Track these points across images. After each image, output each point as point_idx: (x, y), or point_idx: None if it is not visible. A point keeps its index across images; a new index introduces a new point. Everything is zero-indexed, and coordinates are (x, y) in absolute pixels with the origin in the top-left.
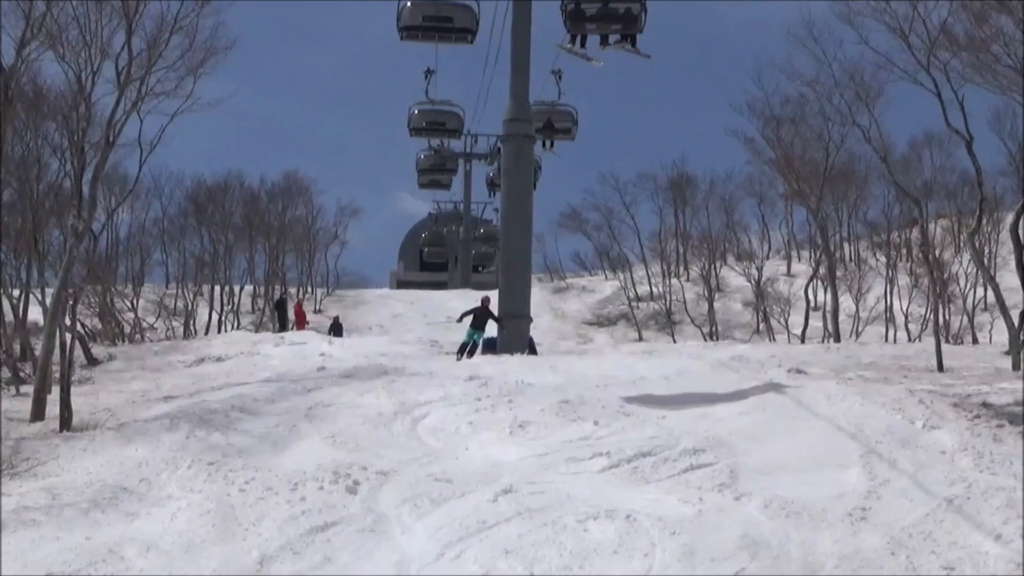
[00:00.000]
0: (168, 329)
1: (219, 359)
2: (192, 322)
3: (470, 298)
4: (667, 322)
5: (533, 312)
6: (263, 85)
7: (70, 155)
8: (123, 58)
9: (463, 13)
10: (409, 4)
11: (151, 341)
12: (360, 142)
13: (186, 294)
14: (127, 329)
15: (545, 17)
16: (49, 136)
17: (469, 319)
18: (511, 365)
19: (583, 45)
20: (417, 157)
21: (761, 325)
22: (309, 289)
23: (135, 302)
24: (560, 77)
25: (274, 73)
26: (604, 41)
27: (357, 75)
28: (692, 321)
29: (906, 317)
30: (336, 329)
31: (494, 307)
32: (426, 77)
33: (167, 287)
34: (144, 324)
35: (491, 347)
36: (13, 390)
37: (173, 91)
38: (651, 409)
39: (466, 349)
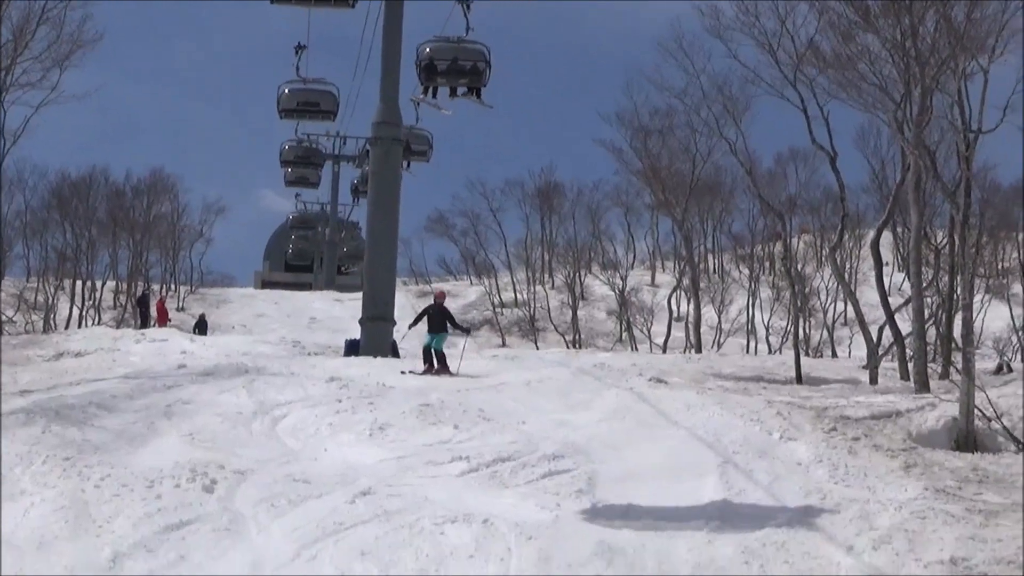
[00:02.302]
0: (27, 323)
1: (78, 354)
2: (52, 316)
3: (332, 299)
4: (531, 329)
5: (397, 315)
6: (130, 79)
7: None
8: None
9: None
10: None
11: (9, 334)
12: (226, 139)
13: (47, 288)
14: None
15: (416, 20)
16: None
17: (422, 324)
18: (373, 368)
19: (435, 96)
20: (281, 148)
21: (624, 334)
22: (172, 286)
23: None
24: (418, 105)
25: (142, 68)
26: (453, 92)
27: (225, 72)
28: (556, 328)
29: (767, 329)
30: (201, 326)
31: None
32: (297, 53)
33: (27, 280)
34: (3, 317)
35: (353, 349)
36: None
37: (39, 82)
38: (511, 414)
39: (430, 357)
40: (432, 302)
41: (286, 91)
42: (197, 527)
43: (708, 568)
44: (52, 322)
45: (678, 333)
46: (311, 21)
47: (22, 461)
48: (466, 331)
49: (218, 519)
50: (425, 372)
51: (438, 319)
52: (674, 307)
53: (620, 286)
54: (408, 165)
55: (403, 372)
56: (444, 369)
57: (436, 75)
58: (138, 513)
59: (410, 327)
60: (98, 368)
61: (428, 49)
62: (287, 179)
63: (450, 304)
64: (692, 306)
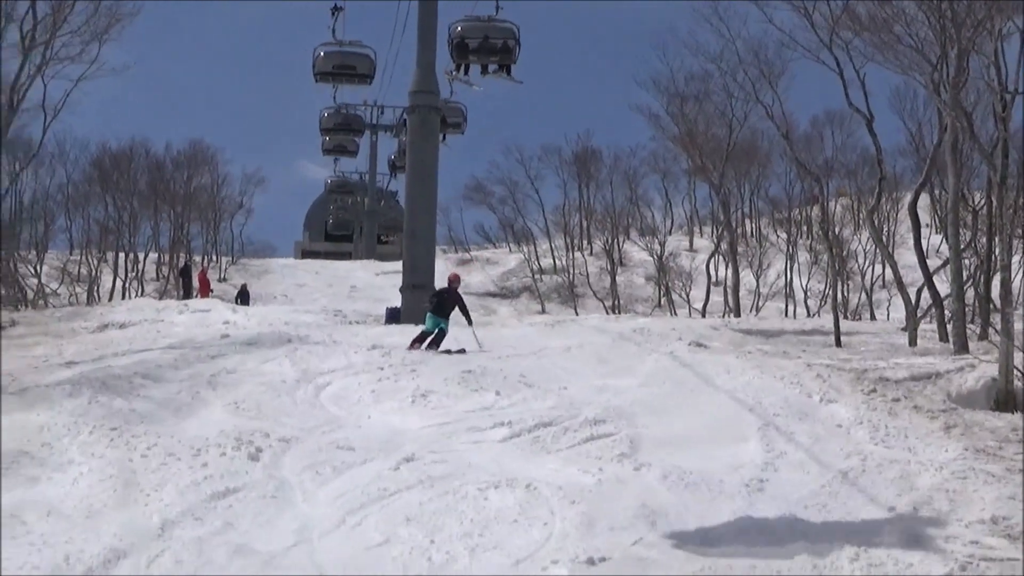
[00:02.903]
0: (71, 295)
1: (122, 325)
2: (96, 288)
3: (373, 269)
4: (570, 295)
5: (437, 283)
6: (168, 51)
7: None
8: (27, 22)
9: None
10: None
11: (54, 307)
12: (264, 110)
13: (90, 260)
14: (30, 295)
15: None
16: None
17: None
18: (414, 334)
19: (467, 73)
20: (320, 115)
21: (663, 299)
22: (214, 257)
23: (38, 268)
24: (453, 77)
25: (179, 40)
26: (484, 70)
27: (261, 43)
28: (595, 294)
29: (805, 293)
30: (243, 297)
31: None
32: (333, 14)
33: (71, 253)
34: (47, 290)
35: (394, 317)
36: None
37: (78, 56)
38: (552, 380)
39: (425, 339)
40: (447, 285)
41: (322, 54)
42: (244, 495)
43: (751, 531)
44: (96, 294)
45: (717, 298)
46: None
47: (69, 432)
48: (469, 323)
49: (264, 486)
50: (412, 347)
51: (449, 305)
52: (712, 272)
53: (658, 251)
54: (444, 137)
55: (449, 351)
56: (434, 346)
57: (468, 53)
58: (185, 481)
59: (427, 303)
60: (142, 339)
61: (459, 28)
62: (325, 147)
63: (489, 271)
64: (730, 270)
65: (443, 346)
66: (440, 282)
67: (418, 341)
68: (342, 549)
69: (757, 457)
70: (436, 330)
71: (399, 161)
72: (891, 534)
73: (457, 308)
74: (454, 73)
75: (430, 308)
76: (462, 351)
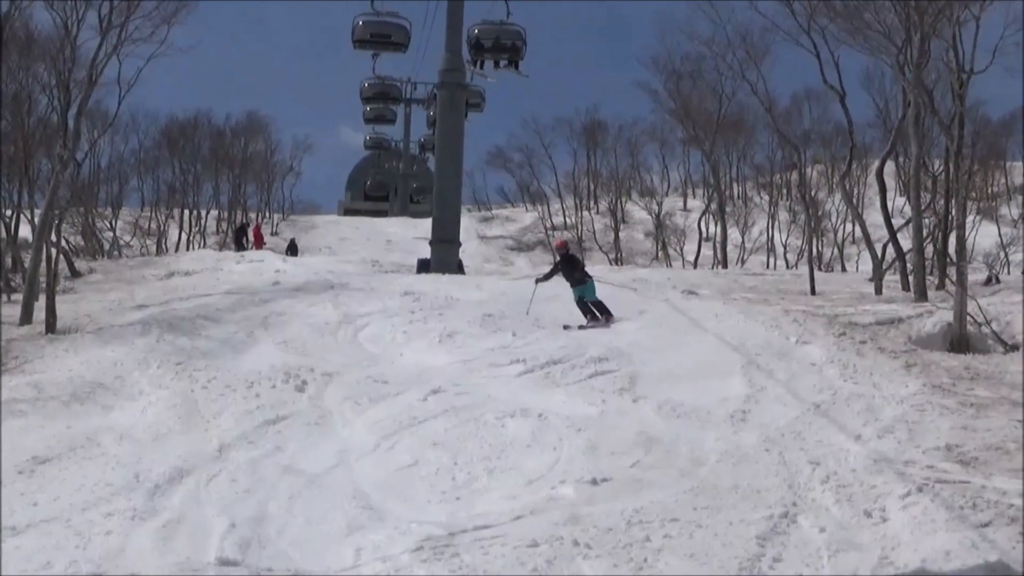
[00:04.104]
0: (142, 247)
1: (187, 273)
2: (163, 241)
3: (408, 225)
4: (578, 248)
5: (462, 238)
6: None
7: (57, 92)
8: (104, 7)
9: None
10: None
11: (127, 257)
12: (310, 83)
13: (158, 217)
14: (106, 246)
15: None
16: (39, 75)
17: (551, 281)
18: (442, 283)
19: (482, 67)
20: (361, 86)
21: (660, 253)
22: (267, 214)
23: (114, 223)
24: (470, 70)
25: (239, 21)
26: (496, 65)
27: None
28: (600, 248)
29: (785, 248)
30: (292, 249)
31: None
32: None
33: (142, 210)
34: (121, 242)
35: (424, 267)
36: (4, 298)
37: (148, 37)
38: (562, 323)
39: (588, 311)
40: (557, 258)
41: (360, 22)
42: (291, 422)
43: (734, 455)
44: (164, 246)
45: (707, 251)
46: None
47: (139, 366)
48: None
49: (309, 415)
50: (591, 325)
51: (568, 269)
52: (703, 229)
53: (656, 211)
54: (466, 115)
55: (566, 327)
56: (607, 316)
57: (483, 51)
58: (240, 410)
59: (538, 282)
60: (204, 285)
61: (476, 31)
62: (366, 116)
63: (508, 228)
64: (719, 228)
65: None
66: (464, 238)
67: (588, 316)
68: (377, 469)
69: (741, 391)
70: (585, 302)
71: (428, 144)
72: (857, 458)
73: (576, 271)
74: (472, 68)
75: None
76: (599, 319)
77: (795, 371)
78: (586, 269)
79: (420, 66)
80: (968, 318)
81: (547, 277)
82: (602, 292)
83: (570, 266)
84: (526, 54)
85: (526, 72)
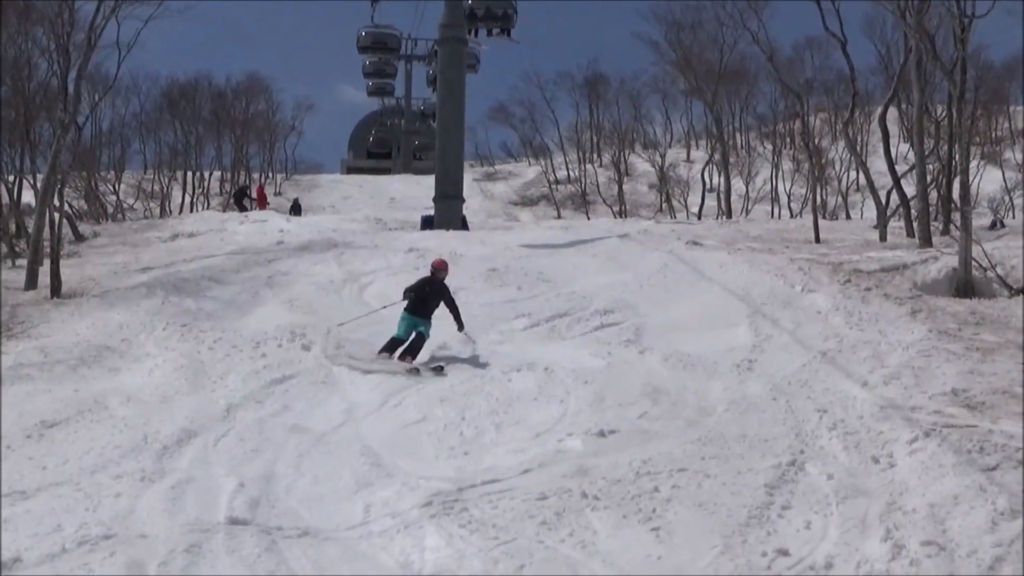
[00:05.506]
0: (146, 210)
1: (191, 235)
2: (167, 203)
3: (412, 182)
4: (582, 202)
5: (465, 194)
6: None
7: (56, 56)
8: None
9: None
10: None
11: (131, 220)
12: (309, 41)
13: (161, 179)
14: (110, 209)
15: None
16: (38, 39)
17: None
18: (446, 239)
19: (476, 35)
20: (358, 35)
21: (664, 204)
22: (270, 175)
23: (117, 186)
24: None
25: None
26: (489, 33)
27: None
28: (604, 201)
29: (789, 197)
30: (296, 209)
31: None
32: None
33: (145, 173)
34: (125, 205)
35: (428, 224)
36: (9, 263)
37: None
38: (567, 276)
39: (396, 348)
40: (430, 275)
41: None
42: (298, 381)
43: (741, 404)
44: (167, 208)
45: (711, 202)
46: None
47: (145, 328)
48: (459, 326)
49: (315, 374)
50: (380, 355)
51: (433, 300)
52: (707, 180)
53: (659, 163)
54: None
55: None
56: (410, 356)
57: (476, 20)
58: (247, 370)
59: (404, 297)
60: (208, 247)
61: (470, 1)
62: (365, 70)
63: (511, 183)
64: (723, 178)
65: (420, 357)
66: (468, 193)
67: (387, 350)
68: (384, 426)
69: (747, 341)
70: (413, 335)
71: (429, 111)
72: (864, 405)
73: (443, 304)
74: (467, 36)
75: (406, 306)
76: (440, 368)
77: (801, 319)
78: (452, 312)
79: (420, 21)
80: (973, 263)
81: (409, 294)
82: (607, 245)
83: (436, 297)
84: (517, 22)
85: (518, 39)
